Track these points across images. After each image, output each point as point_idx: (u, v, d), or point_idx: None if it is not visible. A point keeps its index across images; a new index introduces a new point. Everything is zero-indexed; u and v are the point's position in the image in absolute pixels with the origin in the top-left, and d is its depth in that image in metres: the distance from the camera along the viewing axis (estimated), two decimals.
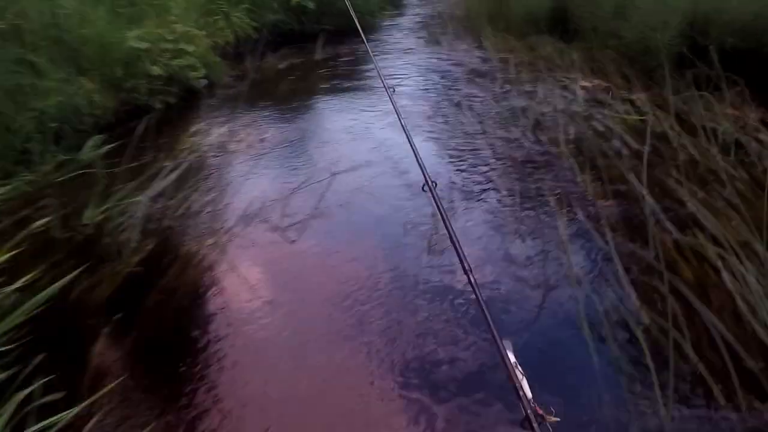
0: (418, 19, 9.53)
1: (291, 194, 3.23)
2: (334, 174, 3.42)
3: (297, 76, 6.23)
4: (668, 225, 2.62)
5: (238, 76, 6.40)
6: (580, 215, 2.78)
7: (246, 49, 7.17)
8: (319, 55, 7.17)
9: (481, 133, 3.92)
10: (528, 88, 4.86)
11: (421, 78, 5.60)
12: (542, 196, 3.02)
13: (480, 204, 3.00)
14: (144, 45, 5.30)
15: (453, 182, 3.25)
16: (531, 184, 3.17)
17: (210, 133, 4.48)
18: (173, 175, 3.62)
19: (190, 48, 5.73)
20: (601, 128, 3.84)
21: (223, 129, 4.55)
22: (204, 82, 5.90)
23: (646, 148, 3.45)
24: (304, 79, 6.12)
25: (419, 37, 7.83)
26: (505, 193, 3.10)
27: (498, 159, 3.51)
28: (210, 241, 2.86)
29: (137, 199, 3.32)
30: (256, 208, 3.13)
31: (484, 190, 3.15)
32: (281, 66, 6.72)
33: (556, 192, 3.05)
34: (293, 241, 2.82)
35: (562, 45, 5.67)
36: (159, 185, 3.51)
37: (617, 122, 3.92)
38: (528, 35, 6.23)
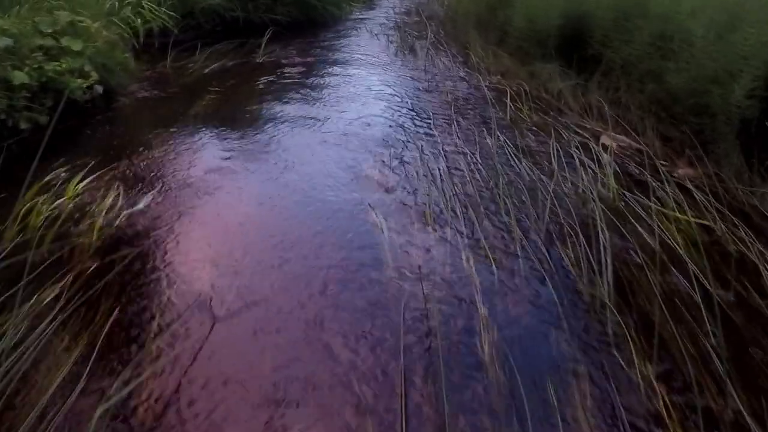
0: (392, 15, 8.05)
1: (129, 370, 1.81)
2: (215, 321, 2.00)
3: (226, 88, 4.75)
4: None
5: (151, 82, 4.90)
6: None
7: (172, 41, 5.65)
8: (262, 56, 5.67)
9: (468, 237, 2.55)
10: (534, 143, 3.50)
11: (385, 110, 4.17)
12: (570, 417, 1.66)
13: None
14: (4, 42, 3.77)
15: (412, 363, 1.88)
16: (551, 363, 1.82)
17: (67, 185, 3.01)
18: None
19: (77, 45, 4.20)
20: (648, 238, 2.52)
21: (88, 180, 3.09)
22: (99, 90, 4.39)
23: (728, 296, 2.15)
24: (234, 94, 4.64)
25: (390, 41, 6.37)
26: (505, 404, 1.73)
27: (491, 303, 2.14)
28: None
29: None
30: (67, 397, 1.72)
31: (473, 378, 1.78)
32: (210, 69, 5.22)
33: (599, 400, 1.71)
34: None
35: (575, 78, 4.31)
36: None
37: (668, 226, 2.61)
38: (529, 56, 4.86)
